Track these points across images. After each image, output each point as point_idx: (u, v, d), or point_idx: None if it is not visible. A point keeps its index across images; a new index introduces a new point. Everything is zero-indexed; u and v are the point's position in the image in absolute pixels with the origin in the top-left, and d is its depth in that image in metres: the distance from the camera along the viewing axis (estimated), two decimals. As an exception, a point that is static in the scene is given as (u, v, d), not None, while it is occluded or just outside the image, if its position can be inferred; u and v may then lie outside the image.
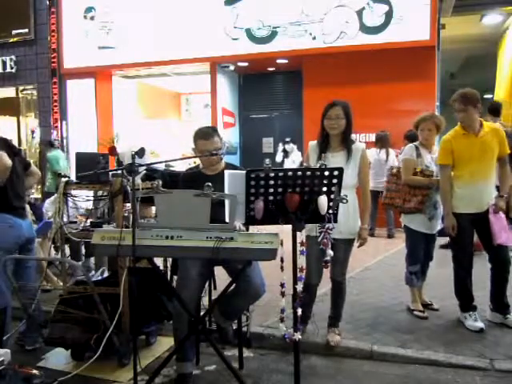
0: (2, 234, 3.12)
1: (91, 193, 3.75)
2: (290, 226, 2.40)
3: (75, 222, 3.54)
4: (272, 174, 2.32)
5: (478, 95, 3.45)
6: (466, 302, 3.55)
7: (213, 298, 3.14)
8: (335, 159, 3.09)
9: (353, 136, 3.21)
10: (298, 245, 2.43)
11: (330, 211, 2.42)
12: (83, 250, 4.89)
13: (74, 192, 3.37)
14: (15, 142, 8.17)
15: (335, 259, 3.03)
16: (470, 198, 3.45)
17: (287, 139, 8.81)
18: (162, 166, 3.95)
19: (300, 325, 2.46)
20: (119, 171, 3.11)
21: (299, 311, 2.38)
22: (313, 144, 3.27)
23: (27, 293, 3.35)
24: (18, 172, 3.29)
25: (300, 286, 2.42)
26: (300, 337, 2.39)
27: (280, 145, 9.01)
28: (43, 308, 3.54)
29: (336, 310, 3.38)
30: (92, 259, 4.80)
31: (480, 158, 3.43)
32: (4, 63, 9.83)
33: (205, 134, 2.99)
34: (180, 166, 6.58)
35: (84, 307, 3.18)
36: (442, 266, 4.21)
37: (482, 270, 3.71)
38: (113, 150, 3.41)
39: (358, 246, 3.21)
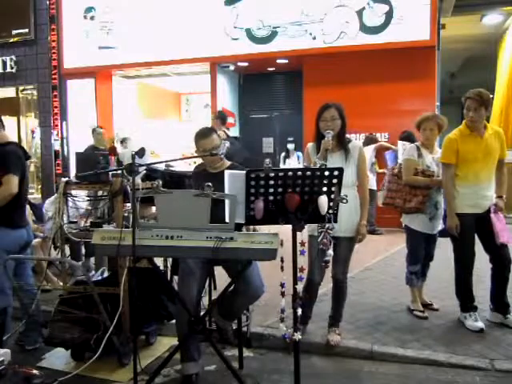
0: (6, 238, 3.17)
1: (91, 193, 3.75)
2: (290, 226, 2.40)
3: (75, 222, 3.54)
4: (272, 174, 2.32)
5: (490, 98, 3.46)
6: (467, 302, 3.55)
7: (213, 298, 3.14)
8: (334, 159, 3.09)
9: (352, 136, 3.23)
10: (298, 245, 2.43)
11: (330, 211, 2.42)
12: (83, 250, 4.88)
13: (73, 192, 3.37)
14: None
15: (337, 257, 3.05)
16: (473, 199, 3.46)
17: (290, 138, 8.82)
18: (162, 166, 3.95)
19: (300, 325, 2.45)
20: (119, 171, 3.12)
21: (299, 311, 2.38)
22: (311, 145, 3.29)
23: (27, 292, 3.36)
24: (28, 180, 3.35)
25: (300, 286, 2.42)
26: (300, 337, 2.39)
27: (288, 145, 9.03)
28: (43, 308, 3.54)
29: (337, 310, 3.38)
30: (92, 259, 4.79)
31: (484, 158, 3.43)
32: (4, 63, 9.82)
33: (203, 134, 3.06)
34: (180, 166, 6.59)
35: (84, 307, 3.18)
36: (442, 266, 4.21)
37: (481, 270, 3.71)
38: (113, 150, 3.41)
39: (357, 242, 3.22)
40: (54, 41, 9.53)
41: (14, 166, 3.11)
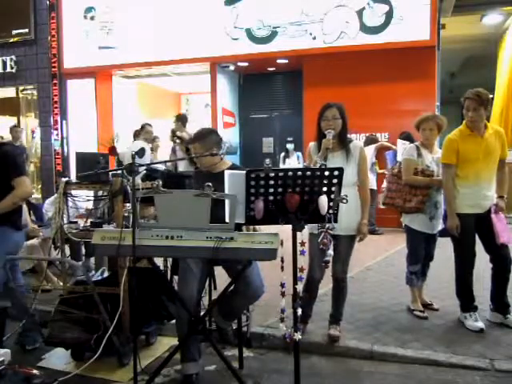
0: (11, 238, 3.19)
1: (91, 193, 3.75)
2: (290, 226, 2.40)
3: (75, 222, 3.54)
4: (272, 174, 2.32)
5: (489, 98, 3.46)
6: (467, 302, 3.55)
7: (213, 298, 3.14)
8: (335, 159, 3.10)
9: (352, 136, 3.24)
10: (298, 245, 2.43)
11: (330, 211, 2.42)
12: (83, 250, 4.88)
13: (73, 192, 3.37)
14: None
15: (337, 256, 3.05)
16: (473, 199, 3.45)
17: (289, 138, 8.82)
18: (162, 166, 3.95)
19: (300, 325, 2.45)
20: (119, 171, 3.12)
21: (299, 311, 2.38)
22: (313, 145, 3.29)
23: (21, 293, 3.37)
24: None
25: (300, 286, 2.42)
26: (300, 337, 2.39)
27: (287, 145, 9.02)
28: (43, 308, 3.54)
29: (337, 309, 3.38)
30: (92, 259, 4.79)
31: (485, 158, 3.43)
32: (4, 63, 9.82)
33: (192, 139, 3.07)
34: (181, 167, 6.59)
35: (84, 307, 3.18)
36: (442, 266, 4.21)
37: (481, 270, 3.71)
38: (113, 150, 3.41)
39: (358, 241, 3.22)
40: (53, 41, 9.53)
41: (21, 168, 3.15)
